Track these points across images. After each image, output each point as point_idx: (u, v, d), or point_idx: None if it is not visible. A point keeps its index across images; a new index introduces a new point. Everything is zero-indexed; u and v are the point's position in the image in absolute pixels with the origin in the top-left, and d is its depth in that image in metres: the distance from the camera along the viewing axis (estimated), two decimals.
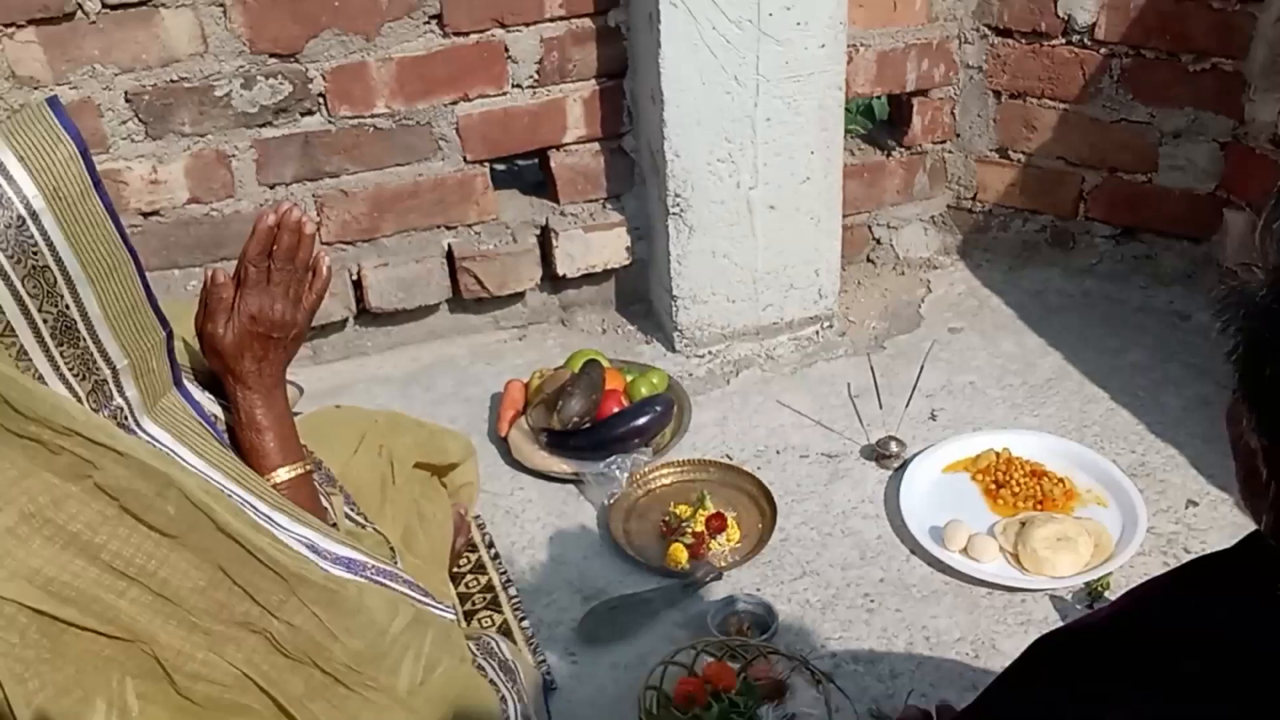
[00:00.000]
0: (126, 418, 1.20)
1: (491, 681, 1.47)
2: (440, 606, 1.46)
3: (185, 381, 1.33)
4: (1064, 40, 2.34)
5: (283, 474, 1.38)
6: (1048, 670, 1.05)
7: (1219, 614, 0.90)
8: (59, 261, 1.10)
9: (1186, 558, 1.80)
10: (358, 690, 1.26)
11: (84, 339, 1.14)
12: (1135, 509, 1.90)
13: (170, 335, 1.25)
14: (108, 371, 1.17)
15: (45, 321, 1.11)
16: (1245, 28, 2.17)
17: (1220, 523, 1.89)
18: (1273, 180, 1.81)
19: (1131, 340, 2.33)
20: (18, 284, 1.08)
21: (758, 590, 1.82)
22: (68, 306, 1.12)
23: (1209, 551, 1.04)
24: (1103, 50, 2.31)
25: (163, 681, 1.16)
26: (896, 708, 1.58)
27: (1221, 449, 0.89)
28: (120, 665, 1.14)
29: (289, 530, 1.27)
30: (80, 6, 1.96)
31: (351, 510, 1.56)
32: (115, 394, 1.19)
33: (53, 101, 1.12)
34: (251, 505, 1.25)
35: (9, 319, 1.08)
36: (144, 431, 1.22)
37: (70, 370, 1.14)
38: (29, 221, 1.07)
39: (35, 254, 1.08)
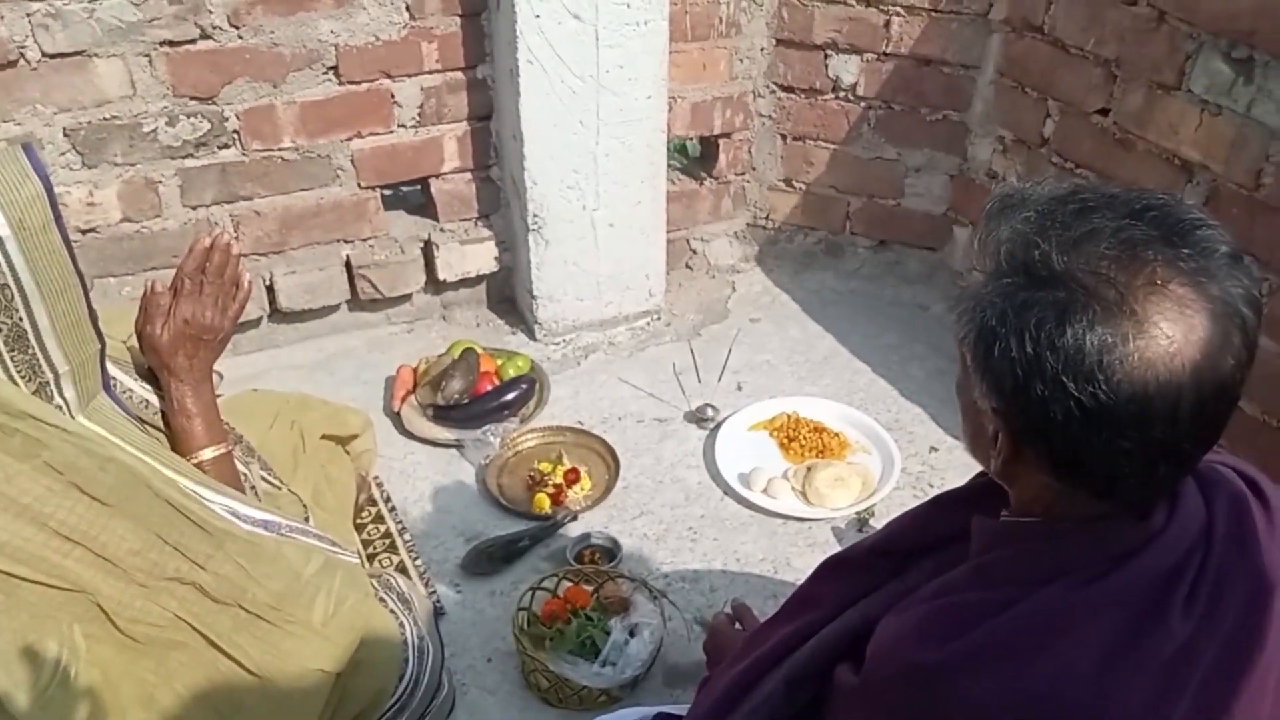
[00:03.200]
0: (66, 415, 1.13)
1: (391, 611, 1.44)
2: (346, 552, 1.42)
3: (115, 379, 1.26)
4: (834, 96, 2.39)
5: (208, 453, 1.33)
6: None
7: (958, 532, 0.93)
8: (17, 281, 1.04)
9: (932, 492, 1.88)
10: (279, 625, 1.22)
11: (33, 346, 1.08)
12: (892, 455, 1.97)
13: (104, 347, 1.18)
14: (51, 375, 1.11)
15: (0, 330, 1.04)
16: (967, 88, 2.26)
17: (955, 464, 1.97)
18: None
19: (886, 326, 2.40)
20: None
21: (606, 527, 1.82)
22: (21, 319, 1.05)
23: (949, 488, 1.07)
24: (862, 104, 2.37)
25: (106, 624, 1.11)
26: (715, 614, 1.61)
27: (955, 408, 0.91)
28: (69, 612, 1.08)
29: (212, 501, 1.22)
30: (22, 55, 1.82)
31: (268, 475, 1.51)
32: (56, 394, 1.12)
33: (27, 146, 1.06)
34: (178, 482, 1.20)
35: None
36: (81, 426, 1.15)
37: (19, 372, 1.07)
38: None
39: None
